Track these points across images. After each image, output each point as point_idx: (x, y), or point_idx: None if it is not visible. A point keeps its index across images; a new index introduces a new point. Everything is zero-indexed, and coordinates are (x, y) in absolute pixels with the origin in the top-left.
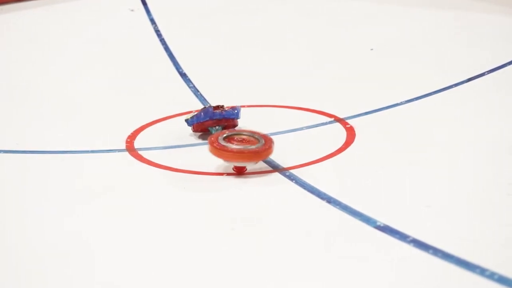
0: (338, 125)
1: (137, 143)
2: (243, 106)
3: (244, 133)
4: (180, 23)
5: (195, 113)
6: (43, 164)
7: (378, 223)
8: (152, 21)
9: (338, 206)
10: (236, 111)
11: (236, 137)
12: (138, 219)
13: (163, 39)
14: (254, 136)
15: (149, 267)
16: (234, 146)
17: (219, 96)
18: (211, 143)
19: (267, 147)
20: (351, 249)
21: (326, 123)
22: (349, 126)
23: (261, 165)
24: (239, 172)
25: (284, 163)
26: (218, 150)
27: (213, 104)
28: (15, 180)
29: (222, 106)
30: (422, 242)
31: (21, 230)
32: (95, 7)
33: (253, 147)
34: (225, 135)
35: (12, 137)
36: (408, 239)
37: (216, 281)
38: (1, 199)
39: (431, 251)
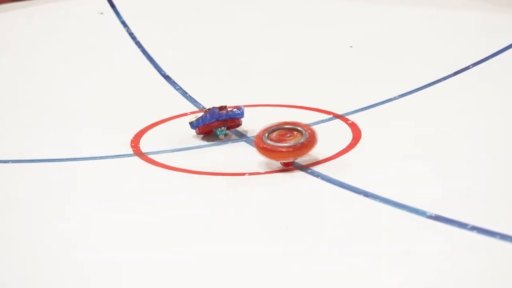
0: (339, 121)
1: (143, 148)
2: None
3: (286, 126)
4: (153, 25)
5: (200, 115)
6: (55, 173)
7: (429, 214)
8: (124, 23)
9: (378, 200)
10: (241, 111)
11: (278, 132)
12: (182, 223)
13: (138, 41)
14: (297, 128)
15: (202, 269)
16: (285, 144)
17: (210, 97)
18: (260, 145)
19: (313, 135)
20: (413, 242)
21: (326, 120)
22: (350, 122)
23: (279, 163)
24: (287, 165)
25: (300, 160)
26: (271, 152)
27: (206, 105)
28: (31, 189)
29: (225, 107)
30: (484, 228)
31: (53, 239)
32: (61, 11)
33: (301, 140)
34: (267, 133)
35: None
36: (468, 227)
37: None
38: (18, 210)
39: (498, 236)
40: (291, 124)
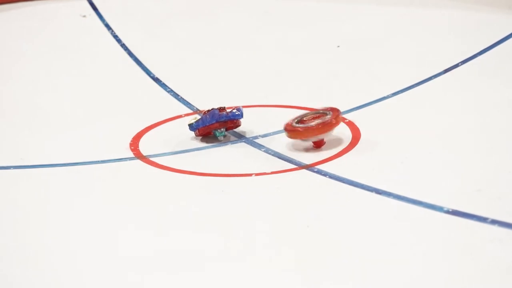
0: None
1: (143, 151)
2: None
3: (309, 114)
4: (137, 27)
5: (200, 117)
6: (62, 178)
7: (446, 209)
8: (108, 26)
9: (391, 197)
10: (240, 112)
11: (304, 118)
12: (200, 226)
13: (123, 44)
14: (319, 112)
15: (217, 272)
16: (313, 123)
17: (201, 98)
18: (292, 129)
19: (338, 113)
20: (436, 238)
21: None
22: (347, 120)
23: (283, 162)
24: (318, 146)
25: (304, 160)
26: (303, 131)
27: (199, 107)
28: (38, 196)
29: (225, 108)
30: (505, 222)
31: (65, 245)
32: (43, 15)
33: (328, 117)
34: (296, 120)
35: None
36: (488, 221)
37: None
38: (20, 215)
39: None
40: (314, 111)
